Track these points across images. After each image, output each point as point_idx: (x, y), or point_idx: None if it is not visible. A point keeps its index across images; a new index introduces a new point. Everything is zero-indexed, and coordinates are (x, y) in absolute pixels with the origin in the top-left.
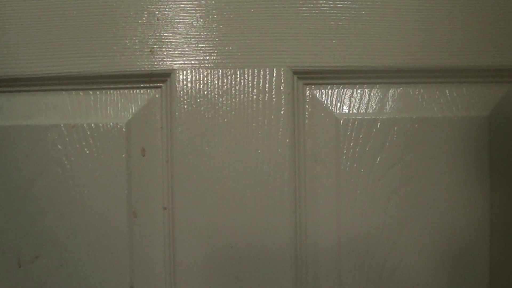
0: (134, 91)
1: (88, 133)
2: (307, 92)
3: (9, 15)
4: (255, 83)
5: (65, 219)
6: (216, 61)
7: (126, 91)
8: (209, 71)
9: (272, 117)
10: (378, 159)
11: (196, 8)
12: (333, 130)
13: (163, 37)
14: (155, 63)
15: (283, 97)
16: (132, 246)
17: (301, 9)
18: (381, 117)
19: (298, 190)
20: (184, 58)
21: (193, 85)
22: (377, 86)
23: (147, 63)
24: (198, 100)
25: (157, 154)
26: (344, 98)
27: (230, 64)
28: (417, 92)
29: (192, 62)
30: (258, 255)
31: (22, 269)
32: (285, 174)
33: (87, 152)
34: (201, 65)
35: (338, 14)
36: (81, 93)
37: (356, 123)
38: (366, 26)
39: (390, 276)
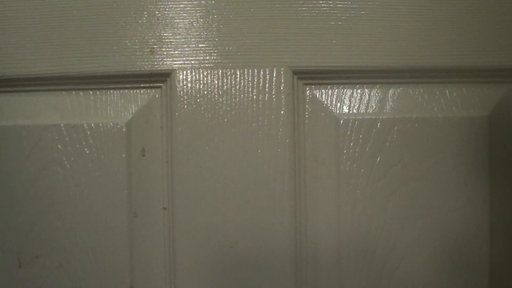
0: (134, 91)
1: (88, 133)
2: (307, 92)
3: (9, 15)
4: (255, 83)
5: (65, 219)
6: (216, 61)
7: (126, 91)
8: (209, 71)
9: (272, 117)
10: (378, 159)
11: (196, 8)
12: (333, 130)
13: (163, 37)
14: (155, 63)
15: (283, 97)
16: (132, 246)
17: (301, 9)
18: (381, 117)
19: (298, 190)
20: (184, 58)
21: (193, 85)
22: (377, 86)
23: (147, 63)
24: (198, 100)
25: (157, 154)
26: (344, 98)
27: (230, 64)
28: (417, 92)
29: (192, 62)
30: (258, 255)
31: (22, 269)
32: (285, 174)
33: (87, 152)
34: (201, 65)
35: (338, 14)
36: (81, 93)
37: (356, 123)
38: (366, 26)
39: (390, 276)
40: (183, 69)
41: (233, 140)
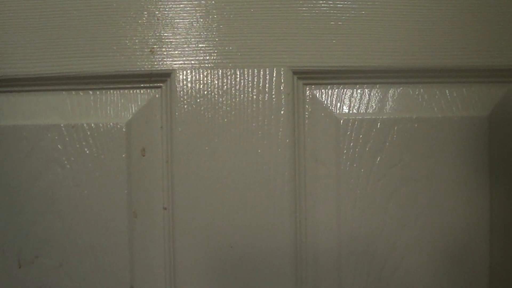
0: (134, 91)
1: (88, 133)
2: (307, 92)
3: (9, 15)
4: (255, 83)
5: (65, 219)
6: (216, 61)
7: (126, 91)
8: (209, 71)
9: (272, 117)
10: (378, 159)
11: (196, 8)
12: (333, 130)
13: (163, 37)
14: (155, 63)
15: (283, 97)
16: (132, 246)
17: (301, 9)
18: (381, 117)
19: (298, 190)
20: (184, 58)
21: (193, 85)
22: (377, 86)
23: (147, 63)
24: (198, 100)
25: (157, 154)
26: (344, 98)
27: (230, 64)
28: (417, 92)
29: (192, 62)
30: (258, 255)
31: (22, 269)
32: (285, 174)
33: (87, 152)
34: (201, 65)
35: (338, 14)
36: (81, 93)
37: (356, 123)
38: (366, 26)
39: (390, 276)
40: (183, 69)
41: (233, 140)
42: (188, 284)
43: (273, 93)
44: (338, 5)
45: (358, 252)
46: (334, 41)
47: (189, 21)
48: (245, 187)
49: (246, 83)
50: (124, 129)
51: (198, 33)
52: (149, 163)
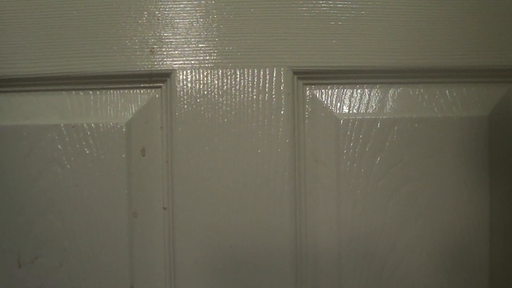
0: (134, 91)
1: (88, 133)
2: (307, 92)
3: (9, 15)
4: (255, 83)
5: (65, 219)
6: (216, 61)
7: (126, 91)
8: (209, 71)
9: (272, 117)
10: (378, 159)
11: (196, 8)
12: (333, 130)
13: (163, 37)
14: (155, 63)
15: (283, 97)
16: (132, 246)
17: (301, 9)
18: (381, 117)
19: (298, 190)
20: (184, 58)
21: (193, 85)
22: (377, 86)
23: (147, 63)
24: (198, 100)
25: (157, 154)
26: (344, 98)
27: (230, 64)
28: (417, 92)
29: (192, 62)
30: (258, 255)
31: (22, 269)
32: (285, 174)
33: (87, 152)
34: (201, 65)
35: (338, 14)
36: (81, 93)
37: (356, 123)
38: (366, 26)
39: (390, 276)
40: (183, 69)
41: (233, 140)
42: (188, 284)
43: (273, 93)
44: (338, 5)
45: (358, 252)
46: (334, 41)
47: (189, 21)
48: (245, 187)
49: (246, 83)
50: (124, 129)
51: (198, 33)
52: (149, 163)
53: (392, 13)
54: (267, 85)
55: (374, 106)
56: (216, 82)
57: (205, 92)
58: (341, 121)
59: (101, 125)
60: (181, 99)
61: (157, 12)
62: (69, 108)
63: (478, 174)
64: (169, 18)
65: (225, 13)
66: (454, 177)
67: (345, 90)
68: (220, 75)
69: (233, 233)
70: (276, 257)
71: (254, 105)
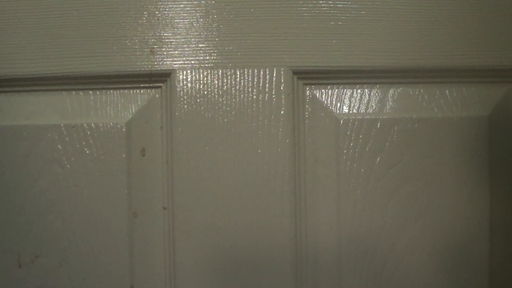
0: (134, 91)
1: (88, 133)
2: (307, 92)
3: (9, 15)
4: (255, 83)
5: (65, 219)
6: (216, 61)
7: (126, 91)
8: (209, 71)
9: (272, 117)
10: (378, 159)
11: (196, 8)
12: (333, 130)
13: (163, 37)
14: (155, 63)
15: (283, 97)
16: (132, 246)
17: (301, 9)
18: (381, 117)
19: (298, 190)
20: (184, 58)
21: (193, 85)
22: (377, 86)
23: (147, 63)
24: (198, 100)
25: (157, 154)
26: (344, 98)
27: (230, 64)
28: (417, 92)
29: (192, 62)
30: (258, 255)
31: (22, 269)
32: (285, 174)
33: (87, 152)
34: (201, 65)
35: (338, 14)
36: (81, 93)
37: (356, 123)
38: (366, 26)
39: (390, 276)
40: (183, 69)
41: (233, 140)
42: (188, 284)
43: (273, 93)
44: (338, 5)
45: (358, 252)
46: (334, 41)
47: (189, 21)
48: (245, 187)
49: (246, 83)
50: (124, 129)
51: (198, 33)
52: (149, 163)
53: (392, 13)
54: (267, 85)
55: (374, 106)
56: (216, 82)
57: (205, 92)
58: (341, 121)
59: (101, 125)
60: (181, 99)
61: (157, 12)
62: (69, 108)
63: (478, 174)
64: (169, 18)
65: (225, 13)
66: (454, 177)
67: (345, 90)
68: (220, 75)
69: (233, 233)
70: (276, 257)
71: (254, 105)
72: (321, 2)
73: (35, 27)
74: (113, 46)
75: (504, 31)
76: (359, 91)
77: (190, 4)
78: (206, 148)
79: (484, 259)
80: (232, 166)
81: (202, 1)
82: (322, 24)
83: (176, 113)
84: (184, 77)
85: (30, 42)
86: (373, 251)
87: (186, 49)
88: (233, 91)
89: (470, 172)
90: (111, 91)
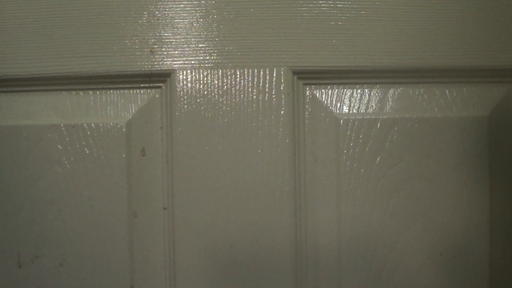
0: (134, 91)
1: (88, 133)
2: (307, 92)
3: (9, 15)
4: (255, 83)
5: (65, 219)
6: (216, 61)
7: (126, 91)
8: (209, 71)
9: (272, 117)
10: (378, 159)
11: (196, 8)
12: (333, 130)
13: (163, 37)
14: (155, 63)
15: (283, 97)
16: (132, 246)
17: (301, 9)
18: (381, 117)
19: (298, 190)
20: (184, 58)
21: (193, 85)
22: (377, 86)
23: (147, 63)
24: (198, 100)
25: (157, 154)
26: (344, 98)
27: (230, 64)
28: (417, 92)
29: (192, 62)
30: (258, 255)
31: (22, 269)
32: (285, 174)
33: (87, 152)
34: (201, 65)
35: (338, 14)
36: (81, 93)
37: (356, 123)
38: (366, 26)
39: (390, 276)
40: (183, 69)
41: (233, 140)
42: (188, 284)
43: (273, 93)
44: (338, 5)
45: (358, 252)
46: (334, 41)
47: (189, 21)
48: (245, 187)
49: (246, 83)
50: (124, 129)
51: (198, 33)
52: (149, 163)
53: (392, 13)
54: (267, 85)
55: (374, 106)
56: (216, 82)
57: (205, 92)
58: (341, 121)
59: (101, 125)
60: (181, 99)
61: (157, 12)
62: (69, 108)
63: (478, 174)
64: (169, 18)
65: (225, 13)
66: (454, 177)
67: (345, 90)
68: (220, 75)
69: (233, 233)
70: (276, 257)
71: (254, 105)
72: (321, 2)
73: (35, 27)
74: (113, 46)
75: (504, 31)
76: (359, 91)
77: (190, 4)
78: (206, 148)
79: (484, 259)
80: (232, 166)
81: (202, 1)
82: (322, 24)
83: (176, 113)
84: (184, 77)
85: (30, 42)
86: (373, 251)
87: (186, 49)
88: (233, 91)
89: (470, 172)
90: (111, 91)
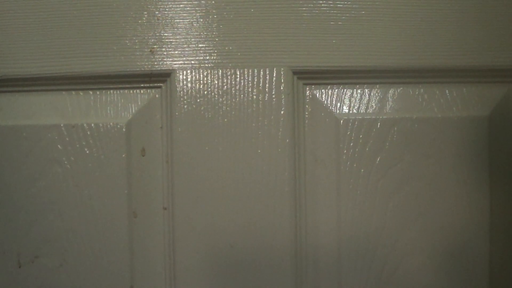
0: (134, 91)
1: (88, 133)
2: (307, 92)
3: (9, 15)
4: (255, 83)
5: (65, 219)
6: (216, 61)
7: (126, 91)
8: (209, 71)
9: (272, 117)
10: (378, 159)
11: (196, 8)
12: (333, 130)
13: (163, 37)
14: (155, 63)
15: (283, 97)
16: (132, 246)
17: (301, 9)
18: (381, 117)
19: (298, 190)
20: (184, 58)
21: (193, 85)
22: (377, 86)
23: (147, 63)
24: (198, 100)
25: (157, 154)
26: (344, 98)
27: (230, 64)
28: (417, 92)
29: (192, 62)
30: (258, 255)
31: (22, 269)
32: (285, 174)
33: (87, 152)
34: (201, 65)
35: (338, 14)
36: (81, 93)
37: (356, 123)
38: (366, 26)
39: (390, 276)
40: (183, 69)
41: (233, 140)
42: (188, 284)
43: (273, 93)
44: (338, 5)
45: (358, 252)
46: (334, 41)
47: (189, 21)
48: (245, 187)
49: (246, 83)
50: (124, 129)
51: (198, 33)
52: (149, 163)
53: (392, 13)
54: (267, 85)
55: (374, 106)
56: (216, 82)
57: (205, 92)
58: (341, 121)
59: (101, 125)
60: (181, 99)
61: (157, 12)
62: (69, 108)
63: (478, 174)
64: (169, 18)
65: (225, 13)
66: (454, 177)
67: (345, 90)
68: (220, 75)
69: (233, 233)
70: (276, 257)
71: (254, 105)
72: (321, 2)
73: (35, 27)
74: (113, 46)
75: (504, 31)
76: (359, 91)
77: (190, 4)
78: (206, 148)
79: (484, 259)
80: (232, 166)
81: (202, 1)
82: (322, 24)
83: (176, 113)
84: (184, 77)
85: (30, 42)
86: (373, 251)
87: (186, 49)
88: (233, 91)
89: (470, 172)
90: (111, 91)
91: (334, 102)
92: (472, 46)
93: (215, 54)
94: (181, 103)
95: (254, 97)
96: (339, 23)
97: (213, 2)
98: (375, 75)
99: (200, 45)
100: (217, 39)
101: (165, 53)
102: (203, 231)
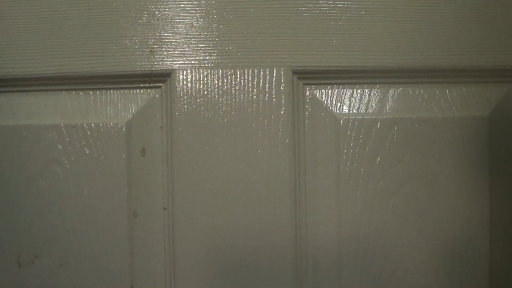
0: (134, 91)
1: (88, 133)
2: (307, 92)
3: (9, 15)
4: (255, 83)
5: (65, 219)
6: (216, 61)
7: (126, 91)
8: (209, 71)
9: (272, 117)
10: (378, 159)
11: (196, 8)
12: (333, 130)
13: (163, 37)
14: (155, 63)
15: (283, 97)
16: (132, 246)
17: (301, 9)
18: (381, 117)
19: (298, 190)
20: (184, 58)
21: (193, 85)
22: (377, 86)
23: (147, 63)
24: (198, 100)
25: (157, 154)
26: (344, 98)
27: (230, 64)
28: (417, 92)
29: (192, 62)
30: (258, 255)
31: (22, 269)
32: (285, 174)
33: (87, 152)
34: (201, 65)
35: (338, 14)
36: (81, 93)
37: (356, 123)
38: (366, 26)
39: (390, 276)
40: (183, 69)
41: (233, 140)
42: (188, 284)
43: (273, 93)
44: (338, 5)
45: (358, 252)
46: (334, 41)
47: (189, 21)
48: (245, 187)
49: (246, 83)
50: (124, 129)
51: (198, 33)
52: (149, 163)
53: (392, 13)
54: (267, 85)
55: (374, 106)
56: (216, 82)
57: (205, 92)
58: (341, 121)
59: (101, 125)
60: (181, 99)
61: (157, 12)
62: (69, 108)
63: (478, 174)
64: (169, 18)
65: (225, 13)
66: (454, 177)
67: (345, 90)
68: (220, 75)
69: (233, 233)
70: (276, 257)
71: (254, 105)
72: (321, 2)
73: (35, 27)
74: (113, 46)
75: (504, 31)
76: (359, 91)
77: (190, 4)
78: (206, 148)
79: (484, 259)
80: (232, 166)
81: (202, 1)
82: (322, 24)
83: (176, 113)
84: (184, 77)
85: (30, 42)
86: (373, 251)
87: (186, 49)
88: (233, 91)
89: (470, 172)
90: (111, 91)
91: (334, 102)
92: (472, 46)
93: (215, 54)
94: (181, 103)
95: (254, 97)
96: (339, 23)
97: (213, 2)
98: (375, 75)
99: (200, 45)
100: (217, 39)
101: (165, 53)
102: (203, 231)
